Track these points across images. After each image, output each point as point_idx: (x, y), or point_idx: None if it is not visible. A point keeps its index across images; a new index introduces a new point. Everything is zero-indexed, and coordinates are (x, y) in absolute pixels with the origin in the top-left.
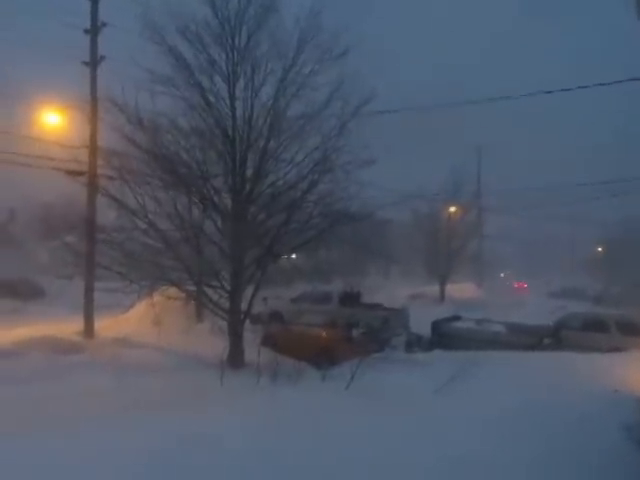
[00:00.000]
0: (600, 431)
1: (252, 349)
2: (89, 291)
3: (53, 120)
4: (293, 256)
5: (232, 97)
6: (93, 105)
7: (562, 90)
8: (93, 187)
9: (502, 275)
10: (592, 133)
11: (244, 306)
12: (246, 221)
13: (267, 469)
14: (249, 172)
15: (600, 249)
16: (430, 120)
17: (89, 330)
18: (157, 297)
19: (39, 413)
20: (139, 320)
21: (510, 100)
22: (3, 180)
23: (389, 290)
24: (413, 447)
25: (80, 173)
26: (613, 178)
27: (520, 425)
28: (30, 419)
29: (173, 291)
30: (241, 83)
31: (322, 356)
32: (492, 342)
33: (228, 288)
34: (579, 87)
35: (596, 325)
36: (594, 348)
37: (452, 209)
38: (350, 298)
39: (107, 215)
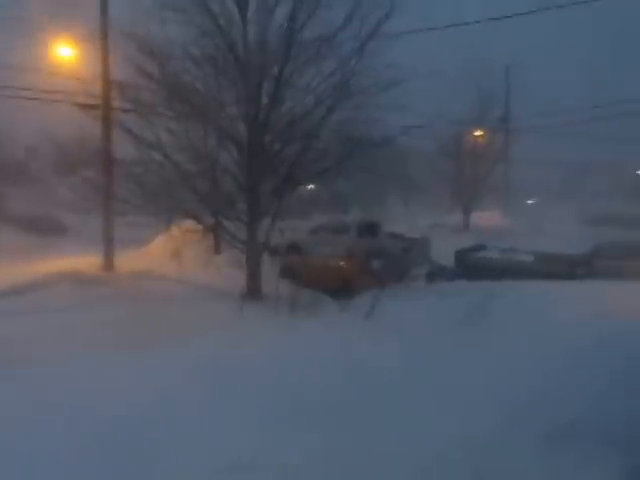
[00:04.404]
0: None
1: (270, 281)
2: (108, 225)
3: (66, 53)
4: (310, 186)
5: (244, 20)
6: (104, 36)
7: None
8: (108, 120)
9: (530, 202)
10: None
11: (262, 238)
12: (262, 150)
13: (286, 397)
14: (264, 99)
15: None
16: (459, 40)
17: (109, 264)
18: (175, 230)
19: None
20: (158, 254)
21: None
22: (20, 117)
23: (409, 220)
24: (434, 377)
25: (94, 107)
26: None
27: (547, 357)
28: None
29: (191, 224)
30: (253, 5)
31: (341, 287)
32: (520, 272)
33: (245, 220)
34: None
35: (635, 252)
36: (633, 277)
37: (478, 133)
38: (369, 228)
39: (123, 149)
